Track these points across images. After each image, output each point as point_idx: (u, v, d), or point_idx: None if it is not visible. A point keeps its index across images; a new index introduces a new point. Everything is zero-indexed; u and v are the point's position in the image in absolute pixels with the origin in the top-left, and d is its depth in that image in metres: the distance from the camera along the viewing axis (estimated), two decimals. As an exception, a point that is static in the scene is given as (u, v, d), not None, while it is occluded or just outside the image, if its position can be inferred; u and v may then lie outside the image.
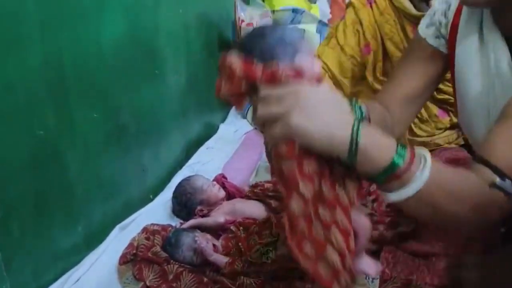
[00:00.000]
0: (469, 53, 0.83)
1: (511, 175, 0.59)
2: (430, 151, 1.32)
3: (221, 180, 1.30)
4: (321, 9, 2.88)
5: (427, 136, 1.36)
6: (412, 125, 1.34)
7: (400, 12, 1.27)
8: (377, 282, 0.93)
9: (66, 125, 0.95)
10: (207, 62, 1.64)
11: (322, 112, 0.55)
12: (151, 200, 1.30)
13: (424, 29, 0.92)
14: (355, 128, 0.54)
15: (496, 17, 0.77)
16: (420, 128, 1.36)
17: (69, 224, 1.00)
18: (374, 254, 0.94)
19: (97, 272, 1.00)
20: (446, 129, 1.36)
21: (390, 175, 0.56)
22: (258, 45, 0.59)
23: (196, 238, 1.01)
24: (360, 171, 0.57)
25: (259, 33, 0.62)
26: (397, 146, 0.57)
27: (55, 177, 0.94)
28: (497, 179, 0.59)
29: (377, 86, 1.36)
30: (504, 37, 0.77)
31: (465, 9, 0.83)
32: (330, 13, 3.12)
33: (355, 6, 1.35)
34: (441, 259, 0.92)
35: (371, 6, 1.32)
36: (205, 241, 1.03)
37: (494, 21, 0.78)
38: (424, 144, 1.34)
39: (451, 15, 0.87)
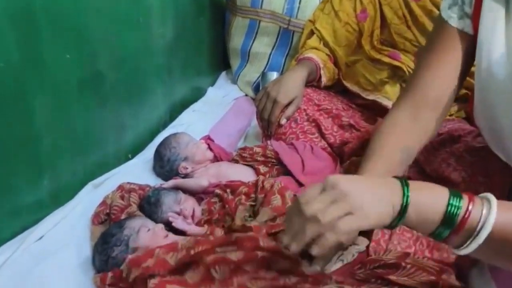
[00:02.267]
0: (494, 30, 0.73)
1: None
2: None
3: (207, 142, 1.20)
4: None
5: None
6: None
7: None
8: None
9: (32, 61, 0.83)
10: (196, 19, 1.52)
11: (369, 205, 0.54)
12: (130, 159, 1.20)
13: (447, 11, 0.81)
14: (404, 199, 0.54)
15: None
16: None
17: (32, 175, 0.89)
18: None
19: (64, 231, 0.90)
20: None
21: (451, 228, 0.54)
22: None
23: (170, 214, 0.91)
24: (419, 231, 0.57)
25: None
26: (449, 196, 0.54)
27: (18, 120, 0.83)
28: None
29: (375, 55, 1.30)
30: None
31: None
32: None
33: None
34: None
35: None
36: (190, 207, 0.94)
37: None
38: None
39: None
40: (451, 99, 0.84)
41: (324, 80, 1.30)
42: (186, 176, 1.08)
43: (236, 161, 1.15)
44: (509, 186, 0.90)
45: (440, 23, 0.83)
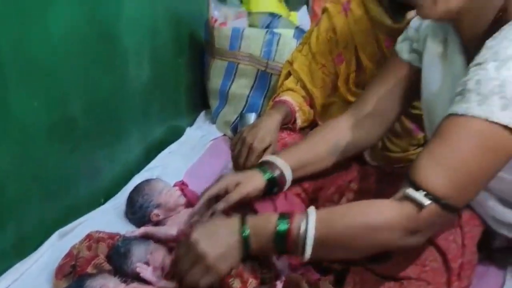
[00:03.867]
0: (433, 66, 0.86)
1: (434, 191, 0.65)
2: (403, 167, 1.28)
3: (181, 187, 1.18)
4: (301, 18, 2.84)
5: (401, 152, 1.30)
6: (386, 141, 1.30)
7: (375, 23, 1.20)
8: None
9: (-1, 109, 0.82)
10: (175, 61, 1.53)
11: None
12: (102, 204, 1.17)
13: (399, 44, 0.96)
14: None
15: (456, 27, 0.80)
16: (394, 144, 1.31)
17: (-5, 225, 0.86)
18: (340, 274, 0.87)
19: (27, 284, 0.86)
20: (420, 145, 1.31)
21: (283, 244, 0.72)
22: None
23: (138, 265, 0.88)
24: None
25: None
26: (277, 219, 0.72)
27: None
28: (409, 190, 0.66)
29: (350, 97, 1.31)
30: (463, 45, 0.80)
31: (433, 21, 0.86)
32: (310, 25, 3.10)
33: (330, 12, 1.30)
34: (413, 283, 0.82)
35: (346, 14, 1.26)
36: (160, 258, 0.91)
37: (455, 31, 0.81)
38: (398, 160, 1.29)
39: (423, 30, 0.90)
40: (393, 115, 0.98)
41: (299, 122, 1.31)
42: (158, 223, 1.05)
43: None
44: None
45: (394, 54, 0.97)
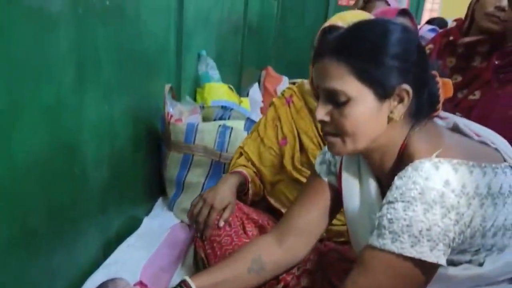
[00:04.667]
0: (352, 189, 0.95)
1: None
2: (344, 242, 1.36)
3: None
4: (253, 98, 3.04)
5: (342, 225, 1.41)
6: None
7: (313, 112, 1.41)
8: None
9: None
10: (132, 155, 1.62)
11: None
12: (60, 308, 1.20)
13: (318, 166, 1.04)
14: None
15: (367, 161, 0.91)
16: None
17: None
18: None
19: None
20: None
21: None
22: None
23: None
24: None
25: None
26: None
27: None
28: None
29: (296, 175, 1.47)
30: (375, 175, 0.90)
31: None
32: (262, 101, 3.31)
33: (275, 105, 1.53)
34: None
35: (289, 105, 1.50)
36: None
37: (366, 163, 0.92)
38: (339, 233, 1.40)
39: (339, 157, 1.00)
40: (317, 231, 1.04)
41: (251, 193, 1.44)
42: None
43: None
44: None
45: (314, 174, 1.04)
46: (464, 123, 0.87)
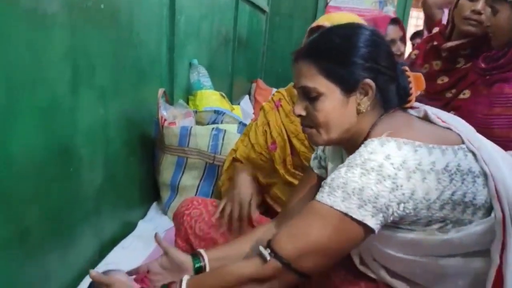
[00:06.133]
0: None
1: (278, 251, 0.83)
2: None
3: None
4: (244, 110, 3.07)
5: None
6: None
7: None
8: None
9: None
10: (126, 159, 1.63)
11: None
12: (55, 309, 1.19)
13: (312, 161, 1.16)
14: None
15: (345, 149, 1.02)
16: None
17: None
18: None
19: None
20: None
21: None
22: None
23: None
24: None
25: None
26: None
27: None
28: (261, 248, 0.85)
29: (289, 178, 1.50)
30: None
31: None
32: (254, 113, 3.34)
33: (265, 109, 1.57)
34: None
35: (278, 109, 1.53)
36: None
37: (345, 152, 1.01)
38: None
39: (327, 151, 1.11)
40: None
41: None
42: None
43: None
44: None
45: (309, 168, 1.16)
46: (433, 111, 0.95)
